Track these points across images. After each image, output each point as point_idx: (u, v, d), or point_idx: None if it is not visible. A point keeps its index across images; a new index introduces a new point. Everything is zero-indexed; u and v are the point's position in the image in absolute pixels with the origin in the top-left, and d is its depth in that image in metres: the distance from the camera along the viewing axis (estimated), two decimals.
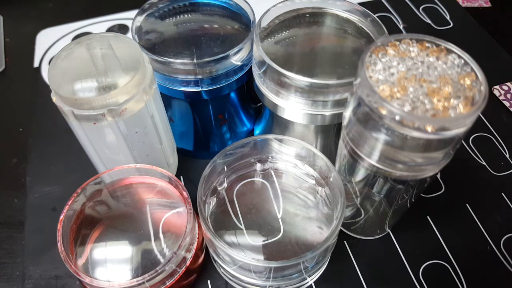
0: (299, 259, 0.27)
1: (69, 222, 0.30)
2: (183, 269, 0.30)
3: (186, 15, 0.36)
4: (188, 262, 0.30)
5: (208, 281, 0.34)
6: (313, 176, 0.34)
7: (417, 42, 0.25)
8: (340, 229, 0.35)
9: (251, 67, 0.34)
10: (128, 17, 0.55)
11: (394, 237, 0.36)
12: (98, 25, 0.55)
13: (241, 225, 0.32)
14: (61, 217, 0.29)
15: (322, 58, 0.33)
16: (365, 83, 0.22)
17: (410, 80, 0.23)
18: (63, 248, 0.28)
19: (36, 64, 0.50)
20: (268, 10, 0.33)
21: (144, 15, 0.36)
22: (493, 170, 0.40)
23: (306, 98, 0.30)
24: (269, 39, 0.33)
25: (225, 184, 0.35)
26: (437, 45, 0.24)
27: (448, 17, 0.55)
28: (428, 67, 0.23)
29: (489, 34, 0.53)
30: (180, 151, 0.41)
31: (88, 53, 0.30)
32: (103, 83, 0.28)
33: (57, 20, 0.55)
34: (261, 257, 0.31)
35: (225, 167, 0.34)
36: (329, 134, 0.35)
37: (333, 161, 0.31)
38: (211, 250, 0.32)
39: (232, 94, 0.37)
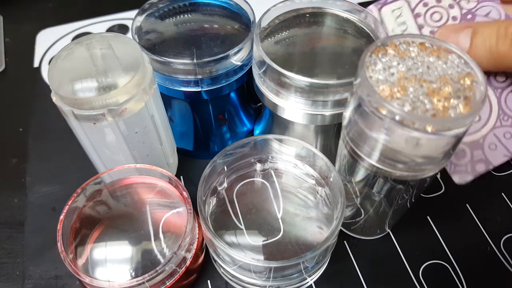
0: (299, 259, 0.27)
1: (69, 222, 0.30)
2: (183, 269, 0.30)
3: (186, 15, 0.36)
4: (188, 262, 0.30)
5: (208, 281, 0.34)
6: (313, 176, 0.34)
7: (417, 42, 0.25)
8: (340, 229, 0.35)
9: (251, 67, 0.34)
10: (128, 17, 0.55)
11: (394, 237, 0.36)
12: (98, 25, 0.55)
13: (241, 225, 0.32)
14: (61, 217, 0.29)
15: (322, 58, 0.33)
16: (365, 83, 0.22)
17: (410, 80, 0.23)
18: (63, 248, 0.28)
19: (36, 64, 0.50)
20: (268, 10, 0.33)
21: (144, 15, 0.36)
22: (493, 170, 0.40)
23: (306, 98, 0.30)
24: (269, 39, 0.33)
25: (225, 184, 0.35)
26: (437, 45, 0.24)
27: None
28: (428, 67, 0.23)
29: None
30: (180, 151, 0.41)
31: (88, 53, 0.30)
32: (103, 83, 0.28)
33: (57, 20, 0.55)
34: (261, 257, 0.31)
35: (225, 167, 0.34)
36: (329, 134, 0.35)
37: (333, 161, 0.31)
38: (211, 250, 0.32)
39: (232, 94, 0.37)
